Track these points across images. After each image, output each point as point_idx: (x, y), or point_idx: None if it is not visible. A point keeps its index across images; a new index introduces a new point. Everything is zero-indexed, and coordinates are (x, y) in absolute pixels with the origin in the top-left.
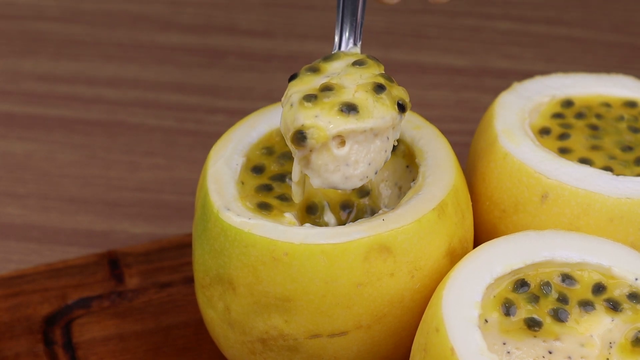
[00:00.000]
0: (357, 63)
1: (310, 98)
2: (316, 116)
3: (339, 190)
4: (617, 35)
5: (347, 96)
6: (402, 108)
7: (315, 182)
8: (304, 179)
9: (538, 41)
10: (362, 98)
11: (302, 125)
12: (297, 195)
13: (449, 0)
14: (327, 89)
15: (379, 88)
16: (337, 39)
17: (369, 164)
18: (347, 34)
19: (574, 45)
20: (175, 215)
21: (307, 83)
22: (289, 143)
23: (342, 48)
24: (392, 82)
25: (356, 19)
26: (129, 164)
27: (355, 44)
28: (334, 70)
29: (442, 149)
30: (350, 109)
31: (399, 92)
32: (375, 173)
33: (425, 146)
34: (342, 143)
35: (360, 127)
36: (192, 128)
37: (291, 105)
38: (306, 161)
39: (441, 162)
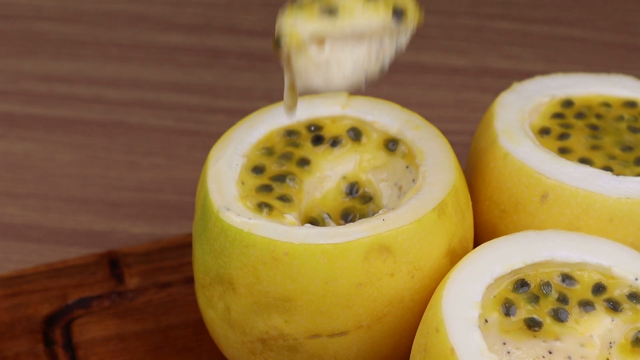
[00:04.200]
0: None
1: (297, 3)
2: (296, 20)
3: (322, 89)
4: (617, 35)
5: (337, 1)
6: (398, 14)
7: (299, 84)
8: (294, 84)
9: (538, 41)
10: (352, 2)
11: (282, 29)
12: (287, 101)
13: None
14: None
15: None
16: None
17: (353, 68)
18: None
19: (574, 45)
20: (175, 215)
21: None
22: None
23: None
24: None
25: None
26: (129, 164)
27: None
28: None
29: (442, 149)
30: (329, 11)
31: (404, 1)
32: (365, 80)
33: (425, 146)
34: (322, 46)
35: (337, 29)
36: (192, 128)
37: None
38: (289, 65)
39: (441, 162)
